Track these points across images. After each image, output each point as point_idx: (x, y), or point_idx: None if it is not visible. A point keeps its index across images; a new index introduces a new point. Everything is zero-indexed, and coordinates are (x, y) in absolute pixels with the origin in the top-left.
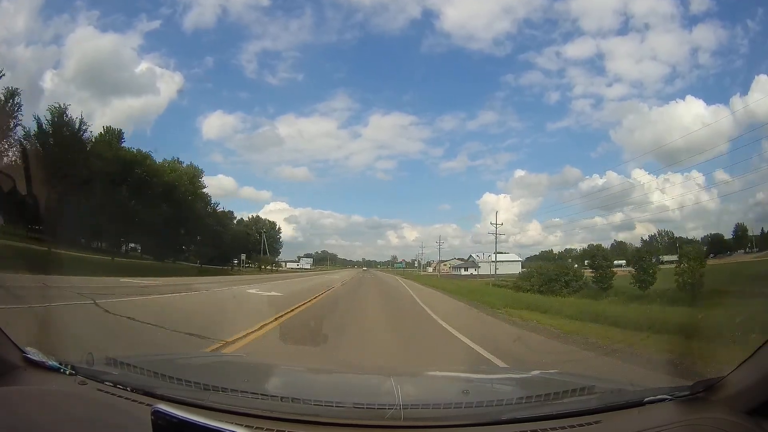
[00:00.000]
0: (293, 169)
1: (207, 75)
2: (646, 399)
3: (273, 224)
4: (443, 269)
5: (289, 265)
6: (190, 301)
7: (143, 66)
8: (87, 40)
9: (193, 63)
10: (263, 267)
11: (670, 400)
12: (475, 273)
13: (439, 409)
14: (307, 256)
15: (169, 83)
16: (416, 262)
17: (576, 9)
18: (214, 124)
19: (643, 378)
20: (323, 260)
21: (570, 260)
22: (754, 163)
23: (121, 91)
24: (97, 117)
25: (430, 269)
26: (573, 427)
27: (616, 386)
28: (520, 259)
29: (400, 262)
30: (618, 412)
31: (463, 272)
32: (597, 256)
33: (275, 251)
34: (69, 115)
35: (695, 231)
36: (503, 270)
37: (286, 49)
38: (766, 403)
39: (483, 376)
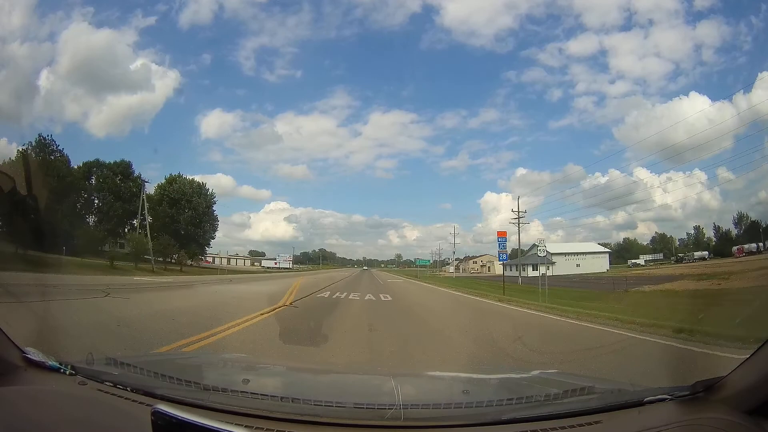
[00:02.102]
0: (293, 168)
1: (204, 72)
2: (646, 399)
3: (198, 186)
4: (473, 268)
5: (266, 263)
6: None
7: (139, 62)
8: (81, 36)
9: (190, 60)
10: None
11: (670, 400)
12: (547, 272)
13: (439, 409)
14: (304, 254)
15: (165, 80)
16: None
17: (579, 4)
18: (213, 122)
19: None
20: (323, 259)
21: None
22: (756, 161)
23: (116, 88)
24: (93, 114)
25: (451, 269)
26: (573, 427)
27: (616, 386)
28: (607, 250)
29: (425, 259)
30: (618, 412)
31: (531, 272)
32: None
33: (204, 235)
34: None
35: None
36: (586, 267)
37: (283, 46)
38: (766, 403)
39: (483, 376)
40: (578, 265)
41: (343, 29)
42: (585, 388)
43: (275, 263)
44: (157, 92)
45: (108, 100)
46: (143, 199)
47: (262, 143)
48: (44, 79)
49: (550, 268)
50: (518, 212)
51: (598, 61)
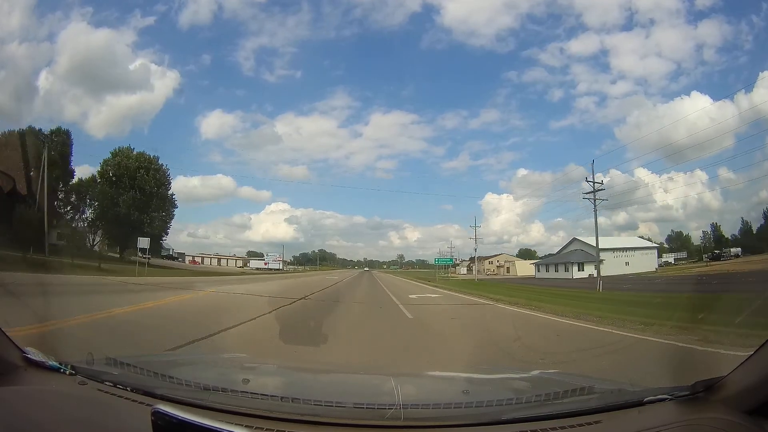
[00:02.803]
0: (293, 169)
1: (204, 73)
2: (646, 399)
3: (147, 161)
4: (489, 269)
5: (254, 263)
6: None
7: (138, 63)
8: (80, 37)
9: (190, 60)
10: None
11: (670, 400)
12: (594, 274)
13: (439, 409)
14: (303, 255)
15: (165, 80)
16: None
17: (580, 4)
18: (213, 123)
19: None
20: (322, 260)
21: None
22: (757, 161)
23: (115, 88)
24: (92, 114)
25: (464, 270)
26: (573, 427)
27: (616, 386)
28: (655, 245)
29: (447, 258)
30: (618, 412)
31: (577, 273)
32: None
33: (151, 222)
34: None
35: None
36: (635, 265)
37: (283, 46)
38: (766, 403)
39: (483, 376)
40: (627, 264)
41: (342, 29)
42: (585, 388)
43: (264, 263)
44: (156, 92)
45: (107, 100)
46: (44, 167)
47: (262, 144)
48: (43, 80)
49: (596, 266)
50: (593, 182)
51: (600, 61)
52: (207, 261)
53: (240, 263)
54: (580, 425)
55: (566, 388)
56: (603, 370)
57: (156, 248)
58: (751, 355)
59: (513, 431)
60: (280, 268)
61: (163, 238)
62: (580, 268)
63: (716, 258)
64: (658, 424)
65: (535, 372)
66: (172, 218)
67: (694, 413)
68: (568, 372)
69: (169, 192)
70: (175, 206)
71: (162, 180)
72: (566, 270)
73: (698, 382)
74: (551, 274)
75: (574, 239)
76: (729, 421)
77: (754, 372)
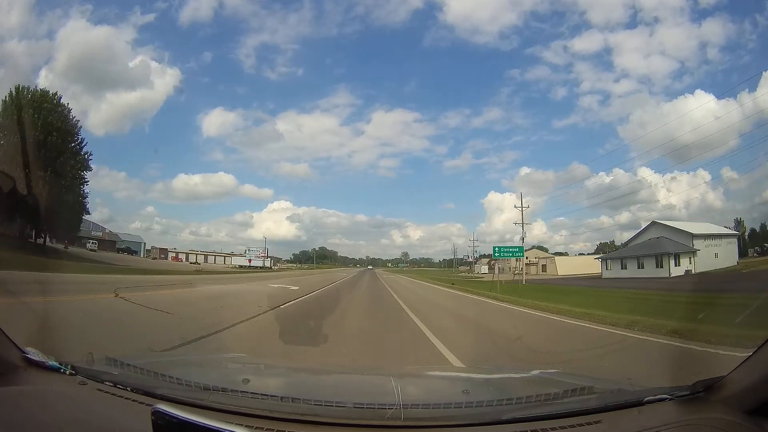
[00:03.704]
0: (295, 167)
1: (205, 70)
2: (646, 399)
3: (43, 99)
4: (516, 267)
5: (237, 260)
6: None
7: (138, 60)
8: (80, 34)
9: (191, 57)
10: None
11: (670, 399)
12: (691, 268)
13: (439, 409)
14: (303, 253)
15: (165, 78)
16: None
17: (584, 1)
18: (214, 121)
19: None
20: (323, 257)
21: None
22: (760, 160)
23: (115, 85)
24: (92, 112)
25: (484, 268)
26: (573, 427)
27: (616, 386)
28: (735, 232)
29: (514, 247)
30: (618, 412)
31: (674, 268)
32: None
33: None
34: None
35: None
36: (724, 257)
37: (285, 43)
38: (766, 403)
39: (483, 376)
40: (716, 255)
41: (344, 26)
42: (585, 388)
43: (249, 261)
44: (156, 90)
45: (107, 97)
46: None
47: (263, 142)
48: (43, 77)
49: (692, 259)
50: None
51: (603, 59)
52: (193, 258)
53: (230, 260)
54: (580, 425)
55: (566, 388)
56: None
57: (60, 229)
58: (751, 354)
59: (513, 431)
60: (265, 265)
61: (86, 217)
62: (678, 262)
63: (765, 252)
64: (658, 424)
65: (535, 372)
66: (80, 185)
67: (693, 413)
68: (568, 372)
69: (82, 150)
70: (87, 168)
71: (56, 124)
72: (658, 265)
73: (698, 381)
74: (631, 271)
75: (654, 223)
76: (729, 421)
77: (754, 372)
